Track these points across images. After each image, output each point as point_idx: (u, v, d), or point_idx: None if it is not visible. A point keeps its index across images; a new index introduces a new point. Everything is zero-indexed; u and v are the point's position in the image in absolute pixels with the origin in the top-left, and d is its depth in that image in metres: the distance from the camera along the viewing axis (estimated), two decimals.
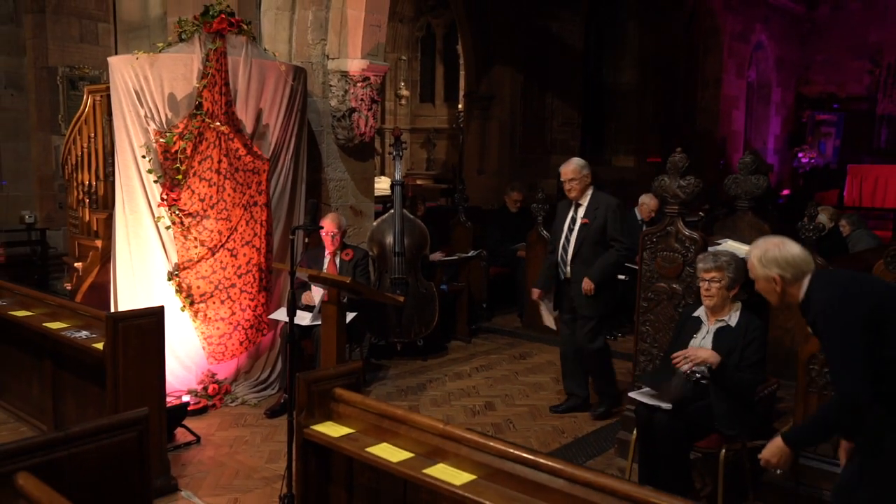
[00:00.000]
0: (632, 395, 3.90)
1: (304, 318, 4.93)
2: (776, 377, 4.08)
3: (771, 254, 2.69)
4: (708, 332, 3.61)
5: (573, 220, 4.94)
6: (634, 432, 3.77)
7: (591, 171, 4.94)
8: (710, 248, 3.96)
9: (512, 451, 2.35)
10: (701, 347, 3.53)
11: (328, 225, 5.27)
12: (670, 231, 4.18)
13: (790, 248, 2.69)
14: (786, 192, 16.83)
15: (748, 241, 5.49)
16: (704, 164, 13.72)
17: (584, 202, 4.91)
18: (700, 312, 3.69)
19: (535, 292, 5.14)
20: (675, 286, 4.17)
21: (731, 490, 3.67)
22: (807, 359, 3.55)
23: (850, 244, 7.45)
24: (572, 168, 4.89)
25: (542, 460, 2.26)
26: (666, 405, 3.52)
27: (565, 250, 4.94)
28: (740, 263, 3.50)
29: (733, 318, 3.57)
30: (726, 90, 15.70)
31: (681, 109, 14.57)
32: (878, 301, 2.51)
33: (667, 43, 13.60)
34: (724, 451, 3.51)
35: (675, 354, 3.49)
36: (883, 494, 2.50)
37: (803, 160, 17.67)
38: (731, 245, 4.92)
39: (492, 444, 2.41)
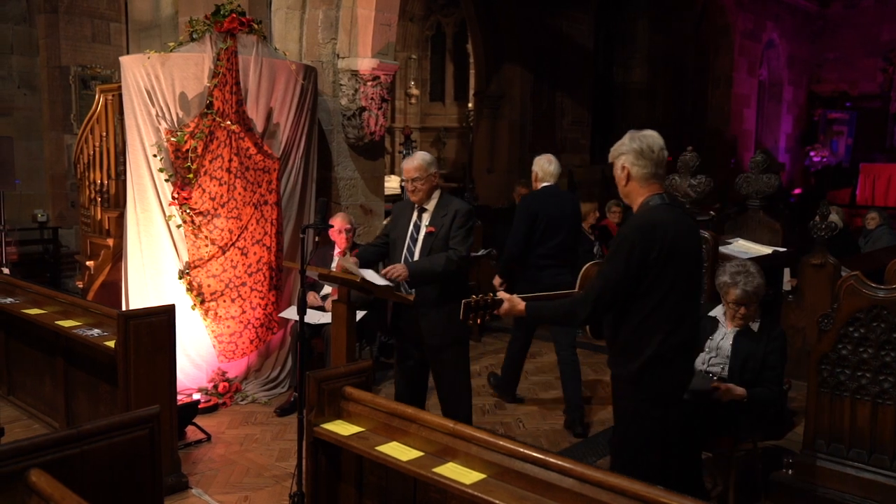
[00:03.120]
0: None
1: (314, 317, 4.95)
2: (788, 377, 4.06)
3: (543, 157, 4.89)
4: (726, 334, 3.57)
5: (417, 229, 4.02)
6: None
7: (438, 169, 4.11)
8: (720, 248, 3.94)
9: (522, 450, 2.34)
10: (735, 386, 3.44)
11: (339, 222, 5.27)
12: None
13: (552, 164, 4.84)
14: (797, 190, 16.73)
15: (759, 240, 5.50)
16: (715, 162, 13.66)
17: (430, 207, 4.00)
18: (717, 312, 3.65)
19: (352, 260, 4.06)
20: None
21: (742, 490, 3.65)
22: (818, 358, 3.53)
23: (871, 239, 7.41)
24: (416, 164, 3.98)
25: (551, 459, 2.26)
26: None
27: (408, 264, 3.96)
28: (762, 276, 3.49)
29: (755, 324, 3.54)
30: (737, 88, 15.62)
31: (691, 108, 14.51)
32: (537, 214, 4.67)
33: (677, 41, 13.55)
34: (735, 450, 3.49)
35: (714, 384, 3.42)
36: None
37: (815, 159, 17.55)
38: (742, 244, 4.90)
39: (501, 443, 2.40)
